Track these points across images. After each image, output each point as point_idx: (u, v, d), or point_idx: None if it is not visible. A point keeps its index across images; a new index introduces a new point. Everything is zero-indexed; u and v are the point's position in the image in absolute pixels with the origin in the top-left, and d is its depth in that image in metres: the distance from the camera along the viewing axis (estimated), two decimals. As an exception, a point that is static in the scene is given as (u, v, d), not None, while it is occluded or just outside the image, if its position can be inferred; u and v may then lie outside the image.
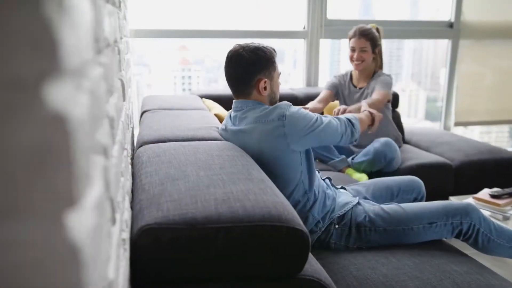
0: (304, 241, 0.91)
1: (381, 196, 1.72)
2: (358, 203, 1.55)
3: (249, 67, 1.48)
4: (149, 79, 3.71)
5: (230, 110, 1.60)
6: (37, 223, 0.30)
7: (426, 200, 1.76)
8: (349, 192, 1.67)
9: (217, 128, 1.66)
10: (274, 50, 1.55)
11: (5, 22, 0.27)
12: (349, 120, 1.59)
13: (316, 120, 1.47)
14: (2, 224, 0.29)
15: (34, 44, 0.28)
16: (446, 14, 3.38)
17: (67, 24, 0.32)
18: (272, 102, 1.54)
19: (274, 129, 1.41)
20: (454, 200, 2.12)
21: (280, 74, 1.57)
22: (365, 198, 1.68)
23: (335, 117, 1.57)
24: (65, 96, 0.32)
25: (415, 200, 1.77)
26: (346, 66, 4.48)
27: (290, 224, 0.90)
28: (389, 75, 2.49)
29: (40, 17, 0.28)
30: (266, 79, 1.49)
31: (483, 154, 2.60)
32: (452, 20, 3.33)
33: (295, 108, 1.47)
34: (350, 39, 2.47)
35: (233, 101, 1.56)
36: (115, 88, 0.81)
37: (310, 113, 1.49)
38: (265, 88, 1.49)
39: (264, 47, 1.51)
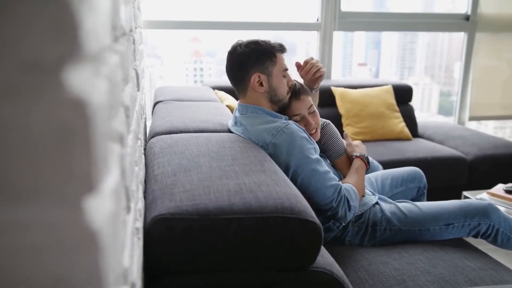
0: (317, 233, 0.90)
1: (387, 185, 1.72)
2: (376, 202, 1.51)
3: (242, 63, 1.39)
4: (161, 70, 3.72)
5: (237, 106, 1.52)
6: (55, 206, 0.30)
7: (440, 195, 1.74)
8: (367, 188, 1.63)
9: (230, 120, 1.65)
10: (280, 45, 1.42)
11: (26, 5, 0.27)
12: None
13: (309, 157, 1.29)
14: (20, 206, 0.30)
15: (55, 28, 0.28)
16: (463, 6, 3.32)
17: (87, 8, 0.32)
18: (273, 100, 1.42)
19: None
20: (468, 195, 2.09)
21: (287, 70, 1.44)
22: (376, 191, 1.67)
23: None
24: (84, 81, 0.32)
25: (419, 189, 1.76)
26: (359, 59, 4.42)
27: (302, 216, 0.89)
28: None
29: (61, 0, 0.28)
30: (261, 74, 1.38)
31: (498, 149, 2.57)
32: (469, 12, 3.27)
33: (291, 132, 1.30)
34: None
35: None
36: (130, 77, 0.81)
37: (307, 145, 1.31)
38: (260, 84, 1.38)
39: (263, 40, 1.39)
